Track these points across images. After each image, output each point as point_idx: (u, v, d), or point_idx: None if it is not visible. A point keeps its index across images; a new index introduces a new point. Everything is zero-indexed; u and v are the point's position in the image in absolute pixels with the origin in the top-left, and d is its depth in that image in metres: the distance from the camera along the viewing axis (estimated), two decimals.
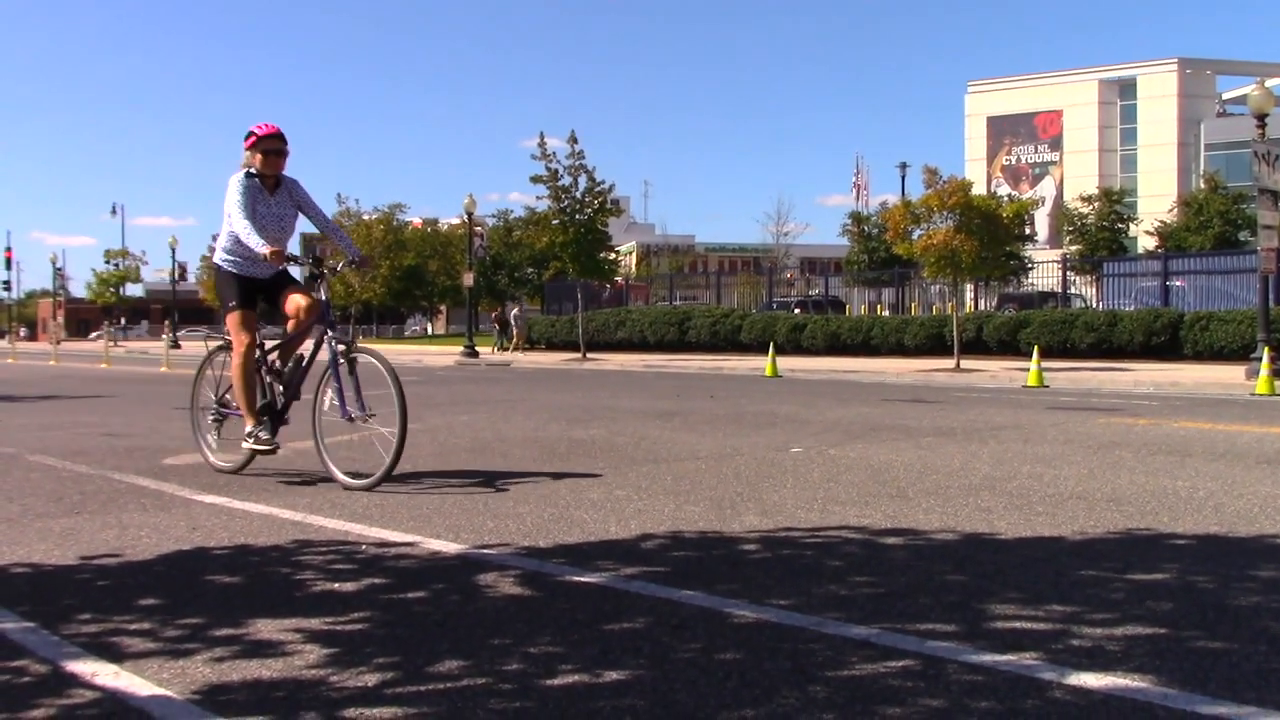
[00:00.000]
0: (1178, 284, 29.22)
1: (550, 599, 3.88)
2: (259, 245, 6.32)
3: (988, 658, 3.12)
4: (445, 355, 35.38)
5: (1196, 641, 3.27)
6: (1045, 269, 37.47)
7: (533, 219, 36.01)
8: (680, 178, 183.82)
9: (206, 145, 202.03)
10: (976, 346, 26.85)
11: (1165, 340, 24.49)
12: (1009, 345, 26.61)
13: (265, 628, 3.49)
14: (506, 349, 37.91)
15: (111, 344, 39.56)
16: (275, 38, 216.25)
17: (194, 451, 7.51)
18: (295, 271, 7.26)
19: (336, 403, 6.49)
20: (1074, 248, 52.17)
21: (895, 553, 4.65)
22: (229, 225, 6.64)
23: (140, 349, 50.32)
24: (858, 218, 59.24)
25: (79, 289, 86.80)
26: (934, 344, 27.67)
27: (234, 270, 6.81)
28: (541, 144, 29.71)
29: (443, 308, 79.91)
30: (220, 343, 7.24)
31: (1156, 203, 61.03)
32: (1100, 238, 52.50)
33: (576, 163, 29.58)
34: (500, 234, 65.45)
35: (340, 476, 6.45)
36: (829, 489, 6.35)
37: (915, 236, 22.43)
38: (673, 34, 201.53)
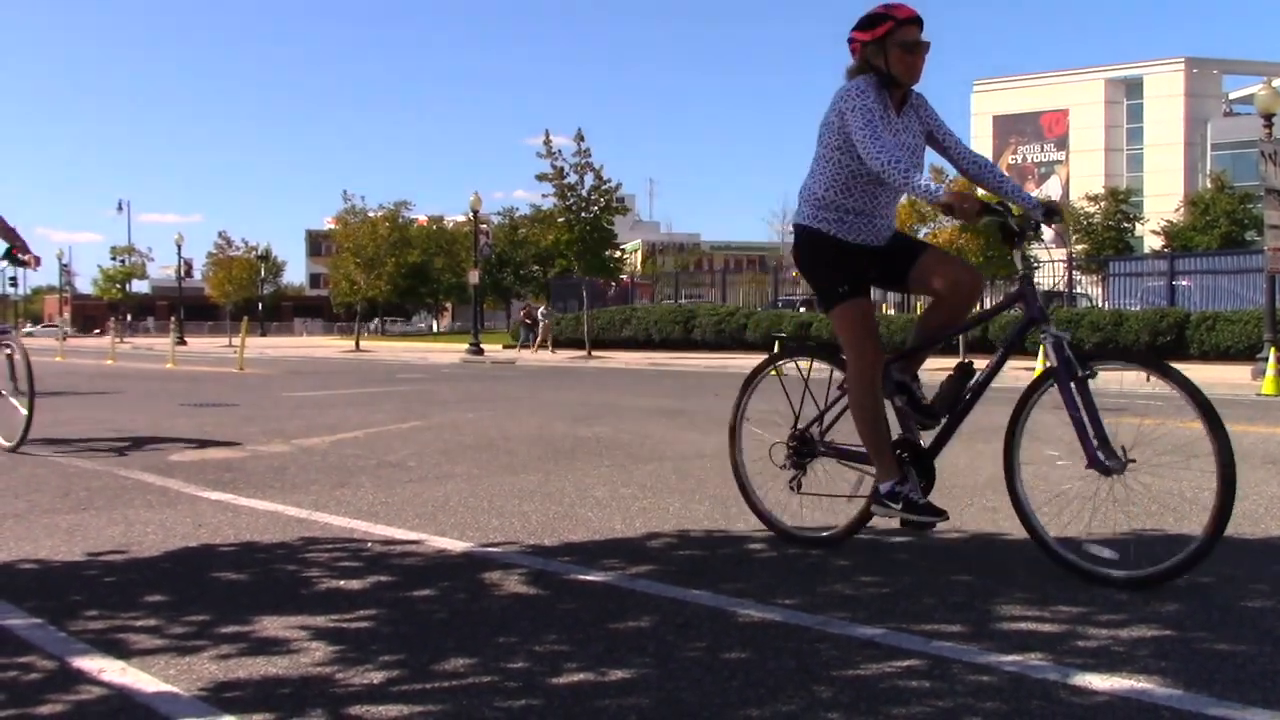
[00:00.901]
0: (1184, 284, 29.17)
1: (556, 597, 3.88)
2: (922, 183, 4.07)
3: (993, 658, 3.12)
4: (450, 353, 35.39)
5: (1202, 643, 3.27)
6: (1051, 268, 37.41)
7: (538, 217, 36.08)
8: (686, 176, 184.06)
9: (213, 142, 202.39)
10: (982, 345, 26.80)
11: (1171, 340, 24.43)
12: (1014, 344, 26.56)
13: (271, 625, 3.50)
14: (530, 347, 36.89)
15: (118, 340, 39.63)
16: (281, 35, 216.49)
17: (198, 448, 7.50)
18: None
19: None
20: (1080, 247, 52.13)
21: (900, 552, 4.65)
22: (835, 159, 4.36)
23: (146, 345, 50.41)
24: None
25: (85, 285, 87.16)
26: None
27: (834, 233, 4.46)
28: (547, 142, 29.79)
29: (448, 305, 79.98)
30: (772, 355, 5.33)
31: (1163, 202, 60.94)
32: (1106, 237, 52.48)
33: (582, 160, 29.63)
34: (506, 232, 65.50)
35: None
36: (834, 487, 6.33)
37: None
38: (679, 32, 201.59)
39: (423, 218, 71.09)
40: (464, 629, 3.47)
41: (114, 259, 72.55)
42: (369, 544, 4.80)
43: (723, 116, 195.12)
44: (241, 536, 4.98)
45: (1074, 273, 35.97)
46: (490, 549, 4.69)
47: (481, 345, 34.19)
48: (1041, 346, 4.46)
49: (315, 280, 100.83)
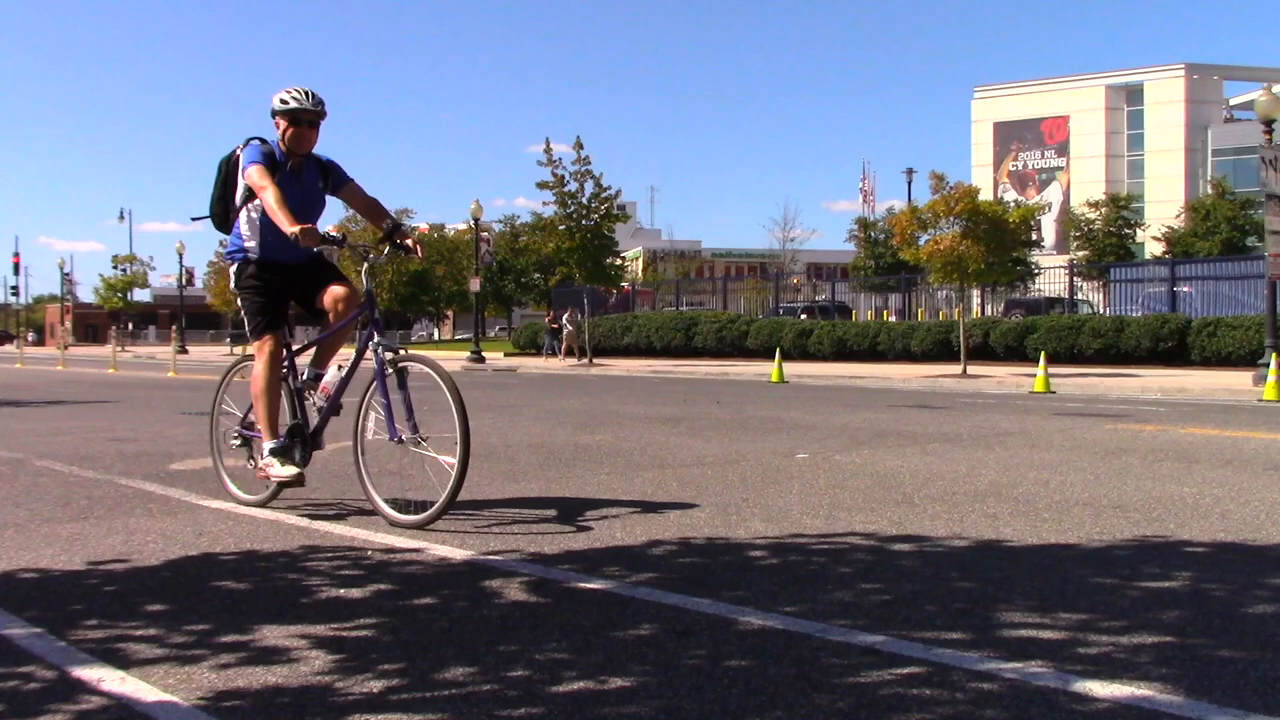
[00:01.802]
0: (1185, 290, 29.17)
1: (556, 605, 3.88)
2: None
3: (994, 665, 3.12)
4: (452, 361, 35.40)
5: (1203, 649, 3.27)
6: (1052, 275, 37.43)
7: (539, 224, 36.07)
8: (687, 183, 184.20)
9: (214, 151, 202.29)
10: (983, 352, 26.81)
11: (1173, 346, 24.43)
12: (1016, 351, 26.57)
13: (271, 634, 3.50)
14: (557, 355, 36.04)
15: (120, 349, 39.64)
16: (282, 43, 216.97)
17: (202, 457, 7.52)
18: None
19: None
20: (1081, 253, 52.12)
21: (902, 559, 4.64)
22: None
23: (148, 354, 50.43)
24: (864, 223, 59.28)
25: (87, 294, 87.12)
26: (940, 350, 27.64)
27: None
28: (548, 150, 29.78)
29: (449, 313, 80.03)
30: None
31: (1164, 208, 60.96)
32: (1107, 243, 52.47)
33: (583, 168, 29.62)
34: (507, 239, 65.54)
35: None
36: (835, 495, 6.34)
37: (922, 242, 22.42)
38: (680, 40, 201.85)
39: (424, 226, 71.23)
40: (464, 637, 3.46)
41: (116, 268, 72.47)
42: (369, 552, 4.80)
43: (723, 124, 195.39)
44: (242, 545, 4.98)
45: (1075, 279, 35.98)
46: (491, 557, 4.69)
47: (483, 353, 34.19)
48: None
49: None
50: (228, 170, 5.86)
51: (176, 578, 4.36)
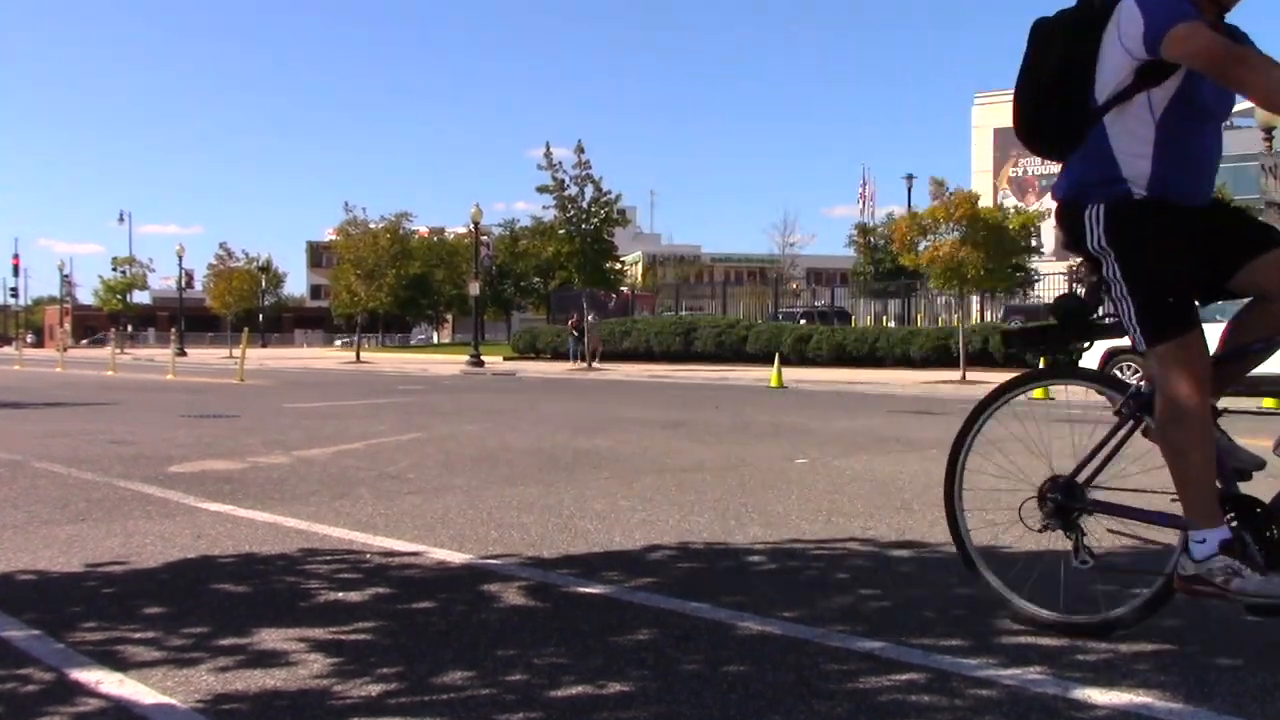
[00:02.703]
0: None
1: (555, 610, 3.88)
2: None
3: (994, 672, 3.12)
4: (451, 364, 35.41)
5: (1202, 657, 3.26)
6: (1052, 281, 37.41)
7: (539, 228, 36.11)
8: (686, 188, 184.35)
9: (214, 154, 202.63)
10: (982, 358, 26.82)
11: None
12: (1015, 357, 26.57)
13: (270, 637, 3.50)
14: (582, 359, 33.51)
15: (119, 351, 39.63)
16: (282, 46, 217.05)
17: (200, 459, 7.49)
18: None
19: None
20: (1080, 260, 52.10)
21: (901, 565, 4.64)
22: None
23: (146, 356, 50.43)
24: (864, 229, 59.39)
25: (86, 296, 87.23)
26: (940, 355, 27.65)
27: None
28: (548, 154, 29.88)
29: (449, 317, 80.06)
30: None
31: None
32: None
33: (583, 172, 29.72)
34: (506, 243, 65.57)
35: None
36: (834, 501, 6.34)
37: (921, 248, 22.45)
38: (679, 44, 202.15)
39: (424, 229, 71.23)
40: (463, 641, 3.46)
41: (115, 270, 72.64)
42: (368, 556, 4.80)
43: (723, 128, 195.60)
44: (241, 548, 4.98)
45: (1074, 285, 35.97)
46: (490, 561, 4.69)
47: (482, 357, 34.20)
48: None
49: (316, 292, 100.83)
50: (1074, 38, 3.34)
51: (175, 580, 4.36)
